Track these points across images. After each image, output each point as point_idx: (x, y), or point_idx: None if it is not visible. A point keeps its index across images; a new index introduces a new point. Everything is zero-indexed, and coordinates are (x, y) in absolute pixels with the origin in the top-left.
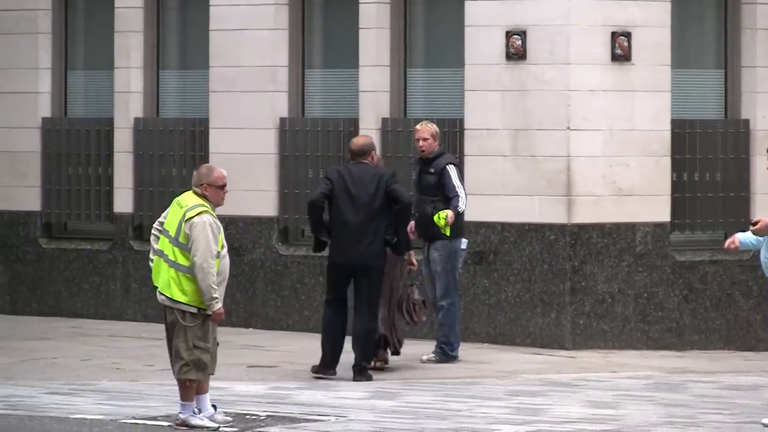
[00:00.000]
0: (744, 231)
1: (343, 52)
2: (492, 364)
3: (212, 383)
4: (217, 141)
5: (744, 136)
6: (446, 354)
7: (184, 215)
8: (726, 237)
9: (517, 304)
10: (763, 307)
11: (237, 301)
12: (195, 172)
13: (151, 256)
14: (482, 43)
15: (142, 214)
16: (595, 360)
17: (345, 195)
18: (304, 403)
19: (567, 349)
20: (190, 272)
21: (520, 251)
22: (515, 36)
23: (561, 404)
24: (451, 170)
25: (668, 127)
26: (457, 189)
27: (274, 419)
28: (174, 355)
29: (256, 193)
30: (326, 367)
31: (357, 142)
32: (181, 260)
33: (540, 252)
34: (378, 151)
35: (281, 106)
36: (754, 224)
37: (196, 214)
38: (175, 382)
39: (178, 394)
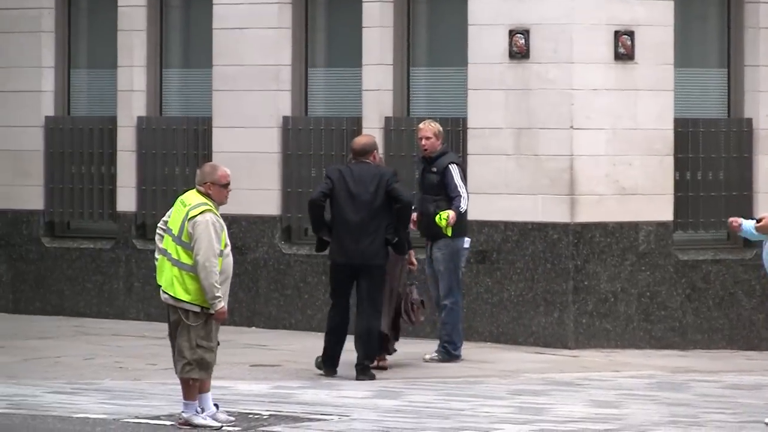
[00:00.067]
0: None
1: (346, 51)
2: (495, 364)
3: (215, 382)
4: (220, 140)
5: (747, 135)
6: (449, 353)
7: (187, 214)
8: (729, 236)
9: (519, 303)
10: (766, 306)
11: (240, 300)
12: (198, 171)
13: (156, 255)
14: (485, 41)
15: (145, 212)
16: (597, 359)
17: (345, 194)
18: (307, 402)
19: (570, 348)
20: (194, 271)
21: (523, 250)
22: (518, 35)
23: (564, 403)
24: (454, 170)
25: (671, 126)
26: (458, 189)
27: (277, 418)
28: (177, 354)
29: (259, 192)
30: (328, 367)
31: (359, 141)
32: (185, 259)
33: (543, 251)
34: (381, 150)
35: (284, 105)
36: (759, 221)
37: (199, 213)
38: (178, 381)
39: (181, 393)
